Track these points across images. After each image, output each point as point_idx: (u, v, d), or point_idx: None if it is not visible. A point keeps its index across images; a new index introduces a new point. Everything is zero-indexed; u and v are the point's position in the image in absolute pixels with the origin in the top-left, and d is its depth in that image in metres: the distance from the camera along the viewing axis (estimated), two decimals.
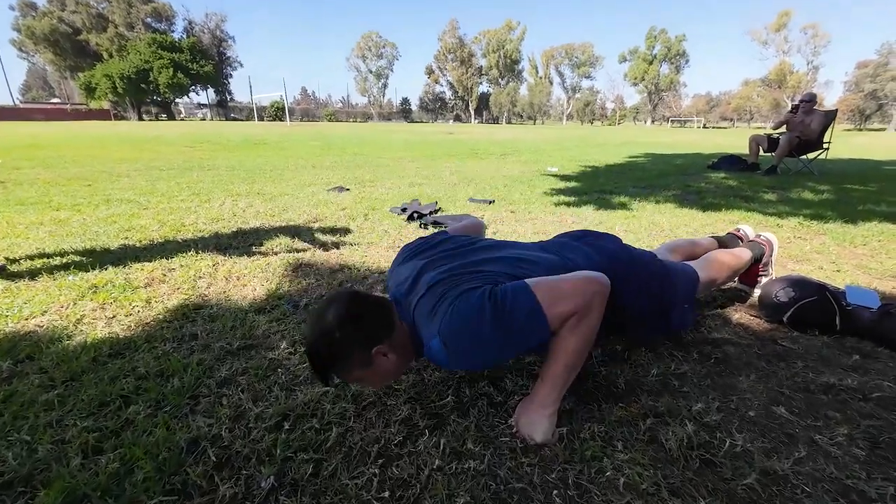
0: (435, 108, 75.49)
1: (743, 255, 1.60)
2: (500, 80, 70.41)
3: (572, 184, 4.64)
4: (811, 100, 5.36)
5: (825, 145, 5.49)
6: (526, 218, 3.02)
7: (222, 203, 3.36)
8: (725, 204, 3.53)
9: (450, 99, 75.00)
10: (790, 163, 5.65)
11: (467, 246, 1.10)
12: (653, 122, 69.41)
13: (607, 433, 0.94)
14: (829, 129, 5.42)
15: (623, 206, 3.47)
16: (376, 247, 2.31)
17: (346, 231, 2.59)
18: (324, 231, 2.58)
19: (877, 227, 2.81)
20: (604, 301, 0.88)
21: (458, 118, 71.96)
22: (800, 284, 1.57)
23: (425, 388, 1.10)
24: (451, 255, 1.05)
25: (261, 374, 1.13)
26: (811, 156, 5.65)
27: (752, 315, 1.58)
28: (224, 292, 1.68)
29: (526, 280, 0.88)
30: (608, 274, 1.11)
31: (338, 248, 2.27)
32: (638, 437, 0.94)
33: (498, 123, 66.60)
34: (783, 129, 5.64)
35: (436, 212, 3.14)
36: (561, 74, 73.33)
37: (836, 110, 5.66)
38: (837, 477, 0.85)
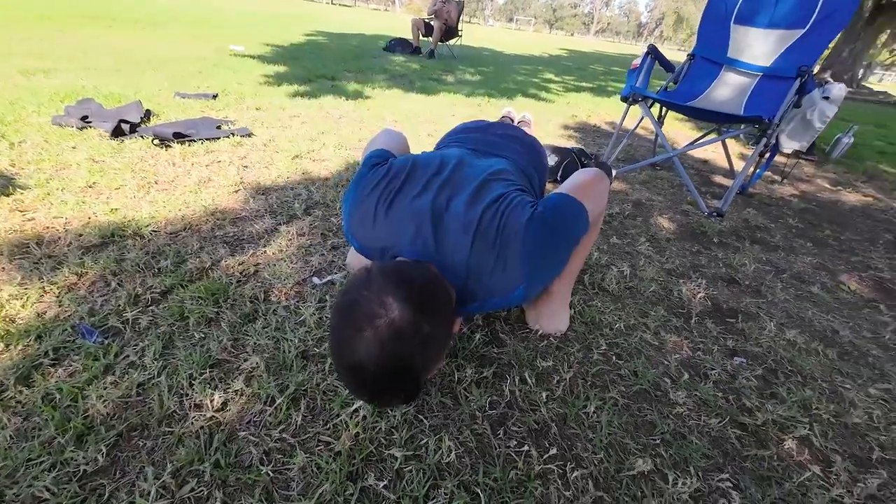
0: None
1: (531, 132, 2.02)
2: None
3: (281, 68, 3.97)
4: None
5: (460, 32, 6.90)
6: (287, 116, 2.47)
7: None
8: (430, 87, 4.03)
9: None
10: (440, 48, 6.85)
11: (447, 167, 0.89)
12: None
13: (583, 300, 1.16)
14: (460, 19, 6.77)
15: (360, 94, 3.36)
16: (110, 192, 1.38)
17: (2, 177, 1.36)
18: None
19: (521, 101, 4.03)
20: None
21: None
22: (557, 150, 2.18)
23: None
24: (449, 183, 0.84)
25: (227, 461, 0.63)
26: (451, 42, 7.00)
27: None
28: None
29: (559, 192, 0.85)
30: (536, 165, 1.19)
31: (29, 211, 1.21)
32: (596, 291, 1.21)
33: None
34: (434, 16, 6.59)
35: (147, 117, 2.06)
36: None
37: (464, 1, 7.04)
38: (665, 268, 1.42)
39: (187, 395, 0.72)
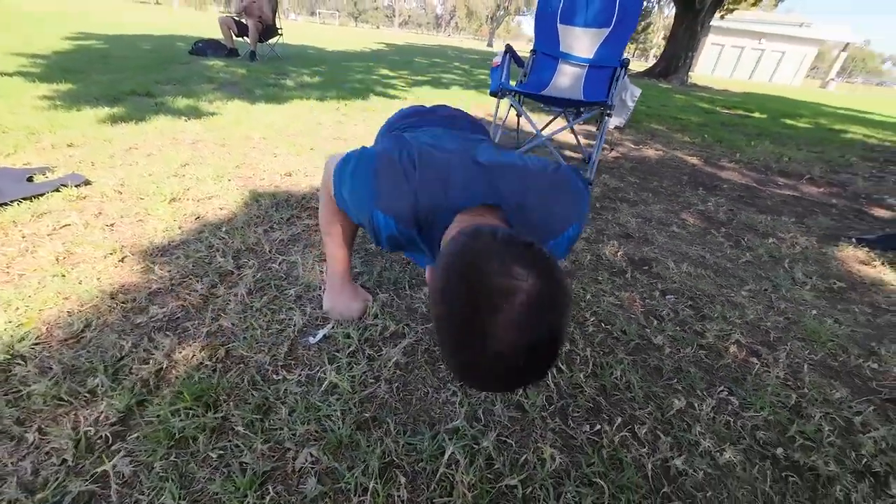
0: None
1: None
2: None
3: (63, 86, 3.06)
4: None
5: (280, 31, 6.36)
6: (121, 150, 1.94)
7: None
8: (275, 94, 3.67)
9: None
10: (261, 48, 6.20)
11: (441, 135, 0.94)
12: None
13: None
14: (276, 15, 6.23)
15: (198, 111, 2.86)
16: None
17: None
18: None
19: (376, 101, 4.02)
20: None
21: None
22: None
23: None
24: (461, 140, 0.91)
25: None
26: (272, 41, 6.42)
27: None
28: None
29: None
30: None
31: None
32: None
33: None
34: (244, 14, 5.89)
35: None
36: None
37: None
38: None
39: None
